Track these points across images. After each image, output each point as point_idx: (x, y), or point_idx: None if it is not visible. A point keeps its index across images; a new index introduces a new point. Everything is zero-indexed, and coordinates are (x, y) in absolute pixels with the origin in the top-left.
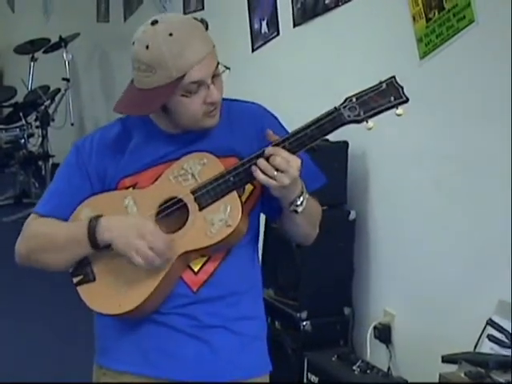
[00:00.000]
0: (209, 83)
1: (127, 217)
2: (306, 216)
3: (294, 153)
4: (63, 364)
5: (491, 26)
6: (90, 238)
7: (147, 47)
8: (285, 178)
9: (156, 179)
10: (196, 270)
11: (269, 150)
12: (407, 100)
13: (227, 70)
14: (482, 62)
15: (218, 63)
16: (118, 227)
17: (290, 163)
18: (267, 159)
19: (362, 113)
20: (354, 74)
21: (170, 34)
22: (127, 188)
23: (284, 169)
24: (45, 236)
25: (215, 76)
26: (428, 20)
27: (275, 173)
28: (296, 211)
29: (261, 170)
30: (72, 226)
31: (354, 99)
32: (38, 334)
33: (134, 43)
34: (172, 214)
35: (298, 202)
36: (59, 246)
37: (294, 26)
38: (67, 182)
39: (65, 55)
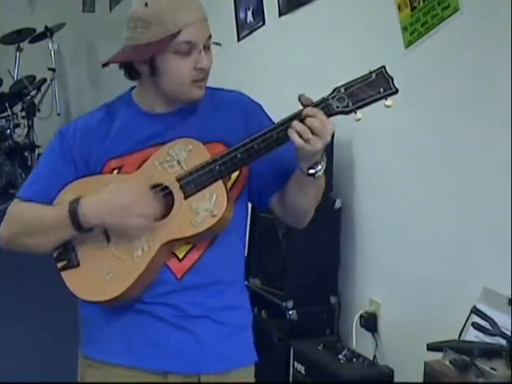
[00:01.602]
0: (201, 48)
1: (103, 193)
2: (317, 186)
3: (280, 144)
4: (50, 358)
5: (476, 15)
6: (73, 221)
7: (146, 4)
8: (319, 142)
9: (142, 163)
10: (181, 256)
11: (308, 110)
12: (397, 91)
13: (218, 47)
14: (466, 51)
15: (211, 36)
16: (97, 205)
17: (326, 128)
18: (302, 121)
19: (350, 104)
20: (340, 63)
21: None
22: (113, 170)
23: (320, 133)
24: (28, 219)
25: (206, 47)
26: (413, 9)
27: (310, 136)
28: (314, 175)
29: (297, 132)
30: (55, 210)
31: (343, 90)
32: (26, 329)
33: (131, 5)
34: (157, 200)
35: (319, 167)
36: (43, 229)
37: (280, 15)
38: (50, 167)
39: (50, 45)
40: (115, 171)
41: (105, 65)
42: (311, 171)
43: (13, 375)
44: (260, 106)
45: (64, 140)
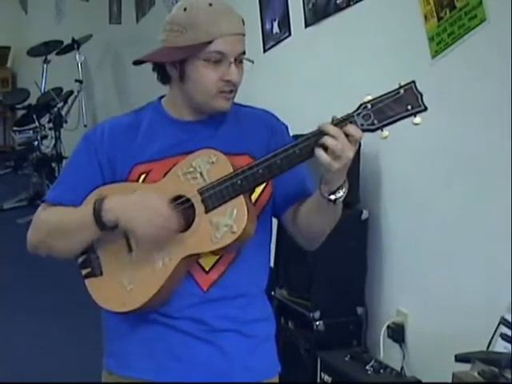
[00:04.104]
0: (231, 61)
1: (130, 195)
2: (335, 210)
3: (302, 160)
4: (72, 360)
5: (503, 25)
6: (96, 219)
7: (185, 9)
8: (338, 161)
9: (168, 170)
10: (207, 269)
11: (330, 129)
12: (425, 109)
13: (250, 63)
14: (493, 61)
15: (245, 52)
16: (121, 204)
17: (348, 147)
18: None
19: (376, 122)
20: (366, 74)
21: (210, 4)
22: (140, 174)
23: (340, 153)
24: (53, 222)
25: (237, 61)
26: (439, 19)
27: (339, 152)
28: (334, 201)
29: (324, 148)
30: (79, 210)
31: (369, 106)
32: (50, 331)
33: (171, 11)
34: (179, 211)
35: (341, 193)
36: (67, 231)
37: (306, 26)
38: (76, 170)
39: (77, 57)
40: (142, 175)
41: (136, 63)
42: (332, 197)
43: (34, 374)
44: (286, 126)
45: (90, 143)
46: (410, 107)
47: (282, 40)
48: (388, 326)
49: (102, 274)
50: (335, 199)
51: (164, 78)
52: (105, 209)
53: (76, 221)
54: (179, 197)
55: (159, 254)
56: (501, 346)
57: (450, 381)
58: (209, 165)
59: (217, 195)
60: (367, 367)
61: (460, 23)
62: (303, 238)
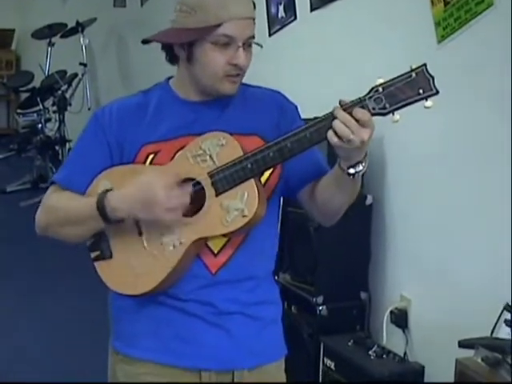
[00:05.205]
0: (239, 45)
1: (132, 185)
2: (354, 185)
3: (313, 144)
4: (81, 344)
5: (510, 10)
6: (101, 214)
7: None
8: (349, 145)
9: (177, 151)
10: (216, 251)
11: (341, 115)
12: (437, 92)
13: (258, 47)
14: (500, 46)
15: (254, 36)
16: (123, 197)
17: (360, 130)
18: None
19: (387, 105)
20: (372, 58)
21: None
22: (148, 154)
23: (352, 135)
24: (60, 210)
25: (246, 45)
26: (446, 4)
27: (351, 136)
28: (353, 175)
29: (335, 131)
30: (85, 202)
31: (381, 89)
32: (54, 315)
33: None
34: (188, 195)
35: (360, 167)
36: (73, 221)
37: (312, 10)
38: (84, 151)
39: (82, 40)
40: (151, 156)
41: (145, 42)
42: (351, 170)
43: (40, 359)
44: (296, 107)
45: (98, 123)
46: (421, 91)
47: (288, 24)
48: (391, 312)
49: (111, 256)
50: (354, 173)
51: (172, 58)
52: (108, 206)
53: (82, 212)
54: (189, 179)
55: (170, 237)
56: (504, 333)
57: (453, 366)
58: (218, 147)
59: (227, 178)
60: (370, 352)
61: (467, 8)
62: (320, 214)
